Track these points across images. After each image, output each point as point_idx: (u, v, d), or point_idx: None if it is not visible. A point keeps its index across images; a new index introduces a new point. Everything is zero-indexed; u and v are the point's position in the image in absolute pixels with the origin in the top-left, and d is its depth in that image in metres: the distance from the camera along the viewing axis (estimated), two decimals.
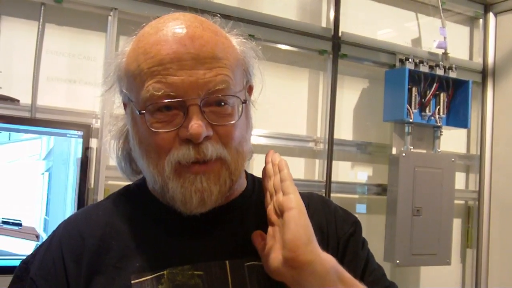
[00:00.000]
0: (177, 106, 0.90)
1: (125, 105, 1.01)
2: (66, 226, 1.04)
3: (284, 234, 0.91)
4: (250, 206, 1.06)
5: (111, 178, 2.31)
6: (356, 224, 1.10)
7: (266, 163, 1.05)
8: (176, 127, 0.90)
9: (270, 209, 0.98)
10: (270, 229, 0.96)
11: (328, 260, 0.93)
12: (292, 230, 0.91)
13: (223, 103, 0.92)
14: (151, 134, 0.91)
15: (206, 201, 0.92)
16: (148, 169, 0.94)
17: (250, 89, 1.04)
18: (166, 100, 0.89)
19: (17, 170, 2.13)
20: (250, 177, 1.12)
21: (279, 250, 0.92)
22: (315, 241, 0.92)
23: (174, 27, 0.92)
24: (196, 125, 0.88)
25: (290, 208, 0.93)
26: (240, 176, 1.04)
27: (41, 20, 2.32)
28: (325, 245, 1.02)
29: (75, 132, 2.22)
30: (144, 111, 0.91)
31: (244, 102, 0.96)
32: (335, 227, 1.06)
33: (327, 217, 1.07)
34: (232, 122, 0.93)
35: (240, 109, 0.95)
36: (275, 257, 0.92)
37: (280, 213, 0.95)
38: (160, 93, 0.88)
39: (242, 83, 0.99)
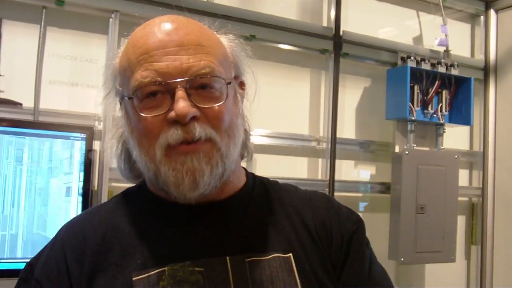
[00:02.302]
0: (164, 91, 0.93)
1: (121, 104, 1.03)
2: (69, 227, 1.05)
3: None
4: (250, 202, 1.06)
5: (115, 180, 2.31)
6: (359, 223, 1.10)
7: None
8: (164, 111, 0.92)
9: None
10: None
11: None
12: None
13: (208, 87, 0.94)
14: (141, 120, 0.94)
15: (198, 181, 0.93)
16: (141, 157, 0.96)
17: (241, 85, 1.06)
18: (153, 86, 0.92)
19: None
20: (250, 175, 1.13)
21: None
22: None
23: (160, 21, 0.97)
24: (182, 104, 0.90)
25: None
26: (238, 170, 1.06)
27: (42, 23, 2.33)
28: (329, 242, 1.03)
29: (78, 134, 2.22)
30: (133, 96, 0.93)
31: (229, 83, 0.97)
32: (339, 224, 1.07)
33: (330, 215, 1.08)
34: (218, 104, 0.94)
35: (226, 92, 0.96)
36: None
37: None
38: (147, 80, 0.92)
39: (230, 74, 1.01)
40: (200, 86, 0.93)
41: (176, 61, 0.92)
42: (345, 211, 1.11)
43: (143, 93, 0.93)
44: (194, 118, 0.92)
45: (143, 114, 0.93)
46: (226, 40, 1.04)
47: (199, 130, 0.92)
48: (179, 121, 0.91)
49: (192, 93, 0.92)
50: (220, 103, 0.94)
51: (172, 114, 0.91)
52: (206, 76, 0.93)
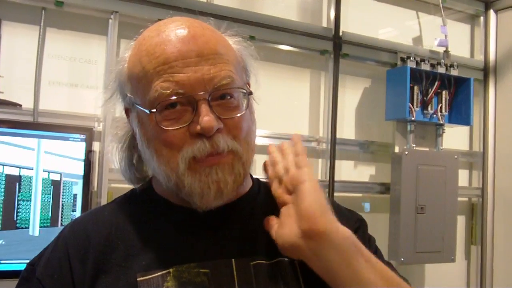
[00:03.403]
0: (185, 102, 0.91)
1: (127, 111, 1.02)
2: (72, 226, 1.04)
3: (299, 205, 0.91)
4: (256, 205, 1.06)
5: (114, 181, 2.31)
6: (360, 221, 1.11)
7: (269, 153, 1.06)
8: (186, 124, 0.91)
9: (281, 192, 0.97)
10: (283, 209, 0.95)
11: (345, 230, 0.93)
12: (307, 200, 0.91)
13: (228, 97, 0.94)
14: (161, 132, 0.92)
15: (223, 191, 0.93)
16: (160, 168, 0.95)
17: (248, 86, 1.06)
18: (174, 97, 0.90)
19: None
20: (255, 179, 1.13)
21: (295, 223, 0.91)
22: (330, 211, 0.92)
23: (176, 28, 0.94)
24: (207, 118, 0.90)
25: (304, 181, 0.93)
26: (248, 175, 1.06)
27: (42, 24, 2.33)
28: None
29: (77, 135, 2.22)
30: (154, 110, 0.92)
31: (250, 93, 0.99)
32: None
33: None
34: (239, 114, 0.95)
35: (245, 102, 0.97)
36: (291, 230, 0.91)
37: (293, 188, 0.95)
38: (168, 91, 0.90)
39: (243, 78, 1.01)
40: (220, 96, 0.93)
41: (197, 73, 0.91)
42: (345, 213, 1.11)
43: (163, 105, 0.91)
44: (217, 130, 0.91)
45: (164, 127, 0.92)
46: (234, 43, 1.03)
47: (222, 142, 0.92)
48: (205, 134, 0.90)
49: (214, 104, 0.92)
50: (241, 114, 0.95)
51: (197, 128, 0.90)
52: (228, 88, 0.93)
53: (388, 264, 1.06)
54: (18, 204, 2.16)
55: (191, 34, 0.93)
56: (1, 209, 2.11)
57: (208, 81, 0.91)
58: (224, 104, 0.93)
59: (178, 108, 0.92)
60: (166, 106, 0.91)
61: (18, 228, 2.14)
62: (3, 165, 2.14)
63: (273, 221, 0.96)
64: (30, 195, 2.16)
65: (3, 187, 2.12)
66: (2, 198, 2.12)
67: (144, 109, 0.94)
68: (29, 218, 2.16)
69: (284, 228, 0.93)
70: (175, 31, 0.93)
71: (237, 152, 0.94)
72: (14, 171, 2.15)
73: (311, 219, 0.89)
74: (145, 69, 0.93)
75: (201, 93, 0.90)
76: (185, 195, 0.95)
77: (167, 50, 0.92)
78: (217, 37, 0.97)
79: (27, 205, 2.17)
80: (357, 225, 1.09)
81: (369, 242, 1.09)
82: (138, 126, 0.98)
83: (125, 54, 1.01)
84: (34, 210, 2.17)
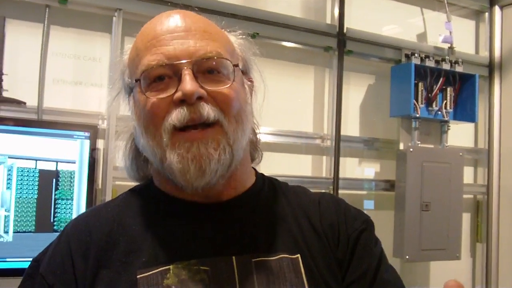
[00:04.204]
0: (171, 74, 0.92)
1: (129, 98, 1.03)
2: (75, 223, 1.05)
3: None
4: (258, 202, 1.05)
5: (119, 179, 2.31)
6: (367, 223, 1.09)
7: None
8: (170, 94, 0.92)
9: None
10: None
11: None
12: None
13: (216, 71, 0.94)
14: (147, 103, 0.93)
15: (204, 168, 0.91)
16: (148, 143, 0.95)
17: (249, 80, 1.06)
18: (160, 69, 0.92)
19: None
20: (259, 175, 1.12)
21: None
22: None
23: (169, 14, 0.98)
24: (189, 84, 0.90)
25: None
26: (247, 168, 1.05)
27: (46, 22, 2.33)
28: (336, 243, 1.03)
29: (82, 133, 2.22)
30: (140, 79, 0.93)
31: (236, 65, 0.97)
32: (346, 225, 1.06)
33: (338, 216, 1.07)
34: (226, 86, 0.94)
35: (233, 76, 0.95)
36: None
37: None
38: (154, 62, 0.92)
39: (237, 61, 1.00)
40: (207, 70, 0.93)
41: (184, 45, 0.92)
42: (352, 212, 1.10)
43: (150, 77, 0.92)
44: (201, 99, 0.91)
45: (149, 96, 0.92)
46: (234, 38, 1.04)
47: (207, 110, 0.90)
48: (186, 100, 0.90)
49: (199, 76, 0.92)
50: (228, 86, 0.94)
51: (178, 94, 0.90)
52: (213, 58, 0.93)
53: (391, 269, 1.06)
54: (55, 204, 2.15)
55: (181, 15, 0.97)
56: (34, 209, 2.10)
57: (194, 52, 0.92)
58: (211, 77, 0.94)
59: (165, 80, 0.93)
60: (154, 78, 0.93)
61: (56, 231, 2.10)
62: (36, 160, 2.12)
63: None
64: (71, 193, 2.15)
65: (36, 184, 2.11)
66: (35, 197, 2.11)
67: (133, 81, 0.96)
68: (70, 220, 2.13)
69: None
70: (167, 15, 0.97)
71: (223, 125, 0.92)
72: (50, 166, 2.14)
73: None
74: (138, 48, 0.96)
75: (185, 61, 0.91)
76: (168, 173, 0.94)
77: (156, 28, 0.95)
78: (209, 22, 0.99)
79: (67, 204, 2.16)
80: (363, 226, 1.07)
81: (375, 246, 1.08)
82: (133, 107, 0.99)
83: (126, 47, 1.04)
84: (78, 210, 2.14)
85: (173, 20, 0.95)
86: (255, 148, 1.10)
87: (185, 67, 0.91)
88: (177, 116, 0.90)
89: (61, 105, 2.36)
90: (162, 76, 0.92)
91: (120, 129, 1.10)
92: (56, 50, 2.38)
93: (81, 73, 2.42)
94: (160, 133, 0.92)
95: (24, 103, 2.26)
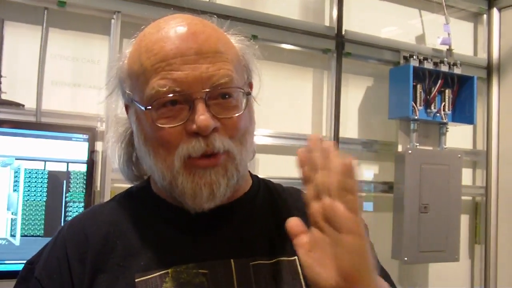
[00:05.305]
0: (182, 101, 0.91)
1: (127, 107, 1.02)
2: (71, 225, 1.04)
3: (341, 261, 0.76)
4: (255, 205, 1.05)
5: (117, 181, 2.31)
6: (366, 227, 1.09)
7: (309, 145, 0.88)
8: (182, 122, 0.91)
9: (316, 210, 0.80)
10: (317, 233, 0.79)
11: None
12: (351, 260, 0.76)
13: (227, 96, 0.93)
14: (157, 130, 0.92)
15: (215, 193, 0.92)
16: (156, 165, 0.94)
17: (250, 86, 1.05)
18: (171, 95, 0.90)
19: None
20: (255, 178, 1.12)
21: (331, 270, 0.77)
22: (373, 271, 0.80)
23: (176, 25, 0.94)
24: (203, 117, 0.88)
25: (351, 232, 0.76)
26: (245, 174, 1.04)
27: (44, 24, 2.33)
28: None
29: (80, 135, 2.22)
30: (150, 107, 0.91)
31: (248, 94, 0.97)
32: None
33: None
34: (237, 114, 0.93)
35: (244, 101, 0.95)
36: (326, 277, 0.77)
37: (334, 227, 0.77)
38: (165, 89, 0.89)
39: (244, 78, 0.99)
40: (219, 95, 0.92)
41: (196, 71, 0.90)
42: None
43: (159, 102, 0.91)
44: (214, 130, 0.90)
45: (160, 125, 0.91)
46: (236, 42, 1.02)
47: (218, 142, 0.90)
48: (200, 133, 0.90)
49: (211, 103, 0.91)
50: (239, 114, 0.94)
51: (193, 126, 0.89)
52: (226, 87, 0.92)
53: (383, 273, 1.06)
54: (66, 207, 2.14)
55: (191, 31, 0.92)
56: (43, 212, 2.09)
57: (206, 80, 0.90)
58: (222, 104, 0.92)
59: (175, 106, 0.91)
60: (163, 104, 0.91)
61: None
62: (45, 161, 2.11)
63: (304, 240, 0.80)
64: (83, 195, 2.14)
65: (45, 186, 2.10)
66: (44, 199, 2.10)
67: (141, 106, 0.93)
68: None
69: (317, 264, 0.79)
70: (175, 28, 0.93)
71: (231, 152, 0.93)
72: (61, 167, 2.13)
73: (351, 281, 0.76)
74: (144, 65, 0.92)
75: (198, 91, 0.90)
76: (178, 195, 0.94)
77: (165, 47, 0.91)
78: (217, 35, 0.96)
79: (78, 208, 2.13)
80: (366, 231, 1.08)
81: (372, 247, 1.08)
82: (136, 123, 0.98)
83: (126, 50, 1.00)
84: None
85: (183, 38, 0.91)
86: None
87: (198, 97, 0.90)
88: (194, 148, 0.90)
89: (60, 107, 2.35)
90: (173, 101, 0.91)
91: (113, 127, 1.09)
92: (54, 52, 2.37)
93: (80, 75, 2.42)
94: (172, 159, 0.92)
95: (23, 105, 2.26)
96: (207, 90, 0.90)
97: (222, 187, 0.92)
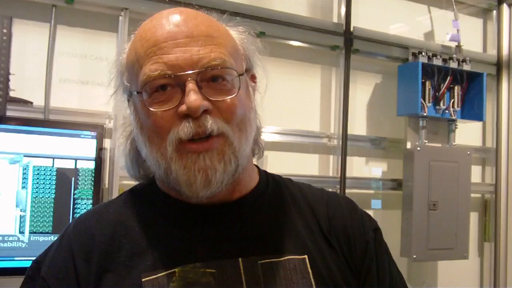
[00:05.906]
0: (174, 84, 0.90)
1: (129, 102, 1.01)
2: (77, 225, 1.03)
3: None
4: (263, 202, 1.04)
5: (125, 178, 2.31)
6: (376, 231, 1.08)
7: None
8: (174, 105, 0.90)
9: None
10: None
11: None
12: None
13: (220, 79, 0.92)
14: (150, 116, 0.91)
15: (210, 179, 0.90)
16: (152, 154, 0.94)
17: (253, 78, 1.04)
18: (162, 79, 0.89)
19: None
20: (263, 173, 1.10)
21: None
22: None
23: (169, 14, 0.94)
24: (193, 98, 0.87)
25: None
26: (250, 168, 1.04)
27: (52, 21, 2.33)
28: (350, 248, 1.02)
29: (88, 132, 2.22)
30: (142, 91, 0.91)
31: (241, 74, 0.95)
32: (363, 231, 1.05)
33: (352, 221, 1.06)
34: (230, 96, 0.92)
35: (238, 84, 0.94)
36: None
37: None
38: (156, 73, 0.89)
39: (241, 66, 0.98)
40: (211, 78, 0.91)
41: (186, 53, 0.89)
42: (364, 217, 1.09)
43: (152, 87, 0.90)
44: (206, 111, 0.89)
45: (152, 109, 0.90)
46: (235, 33, 1.01)
47: (211, 123, 0.89)
48: (191, 115, 0.88)
49: (203, 85, 0.90)
50: (233, 96, 0.92)
51: (183, 107, 0.88)
52: (217, 68, 0.90)
53: (399, 274, 1.06)
54: (74, 204, 2.14)
55: (183, 17, 0.93)
56: (52, 209, 2.09)
57: (197, 61, 0.89)
58: (215, 86, 0.91)
59: (168, 90, 0.90)
60: (156, 88, 0.90)
61: None
62: (53, 158, 2.11)
63: None
64: (91, 192, 2.14)
65: (54, 183, 2.10)
66: (53, 196, 2.10)
67: (135, 93, 0.93)
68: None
69: None
70: (167, 16, 0.94)
71: (228, 136, 0.91)
72: (69, 164, 2.13)
73: None
74: (138, 53, 0.93)
75: (189, 72, 0.89)
76: (174, 184, 0.93)
77: (157, 32, 0.92)
78: (211, 21, 0.95)
79: (87, 205, 2.13)
80: (373, 236, 1.07)
81: (386, 253, 1.08)
82: (134, 113, 0.97)
83: (125, 46, 1.01)
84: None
85: (174, 24, 0.92)
86: (255, 143, 1.07)
87: (189, 78, 0.89)
88: (183, 129, 0.89)
89: (68, 105, 2.36)
90: (165, 86, 0.90)
91: (121, 127, 1.08)
92: (62, 50, 2.38)
93: (88, 72, 2.42)
94: (165, 145, 0.91)
95: (31, 102, 2.27)
96: (197, 71, 0.89)
97: (218, 173, 0.90)
